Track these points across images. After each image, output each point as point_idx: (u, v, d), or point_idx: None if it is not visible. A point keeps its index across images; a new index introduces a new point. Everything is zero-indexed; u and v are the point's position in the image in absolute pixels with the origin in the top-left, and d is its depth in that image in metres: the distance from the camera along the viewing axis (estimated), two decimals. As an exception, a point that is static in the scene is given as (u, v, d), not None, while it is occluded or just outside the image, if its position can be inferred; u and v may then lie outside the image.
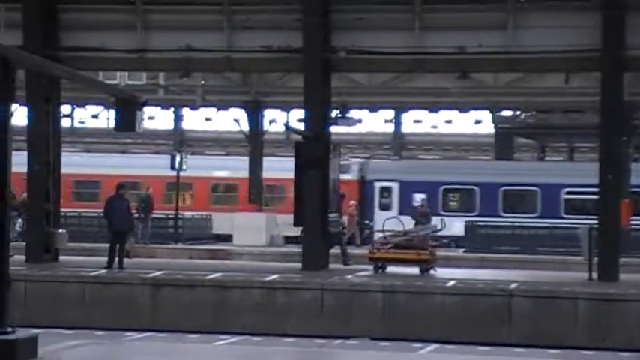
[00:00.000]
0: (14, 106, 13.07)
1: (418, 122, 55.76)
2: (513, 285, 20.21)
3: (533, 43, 22.90)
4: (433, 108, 42.75)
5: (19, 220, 30.73)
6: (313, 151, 23.41)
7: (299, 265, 23.65)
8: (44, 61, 16.70)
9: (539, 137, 47.37)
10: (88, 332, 17.01)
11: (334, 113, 25.97)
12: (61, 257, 24.58)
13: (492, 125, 47.08)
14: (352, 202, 34.54)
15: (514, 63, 24.10)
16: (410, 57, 23.76)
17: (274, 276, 21.34)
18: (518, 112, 44.62)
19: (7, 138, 12.51)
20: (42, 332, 13.41)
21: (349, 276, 21.77)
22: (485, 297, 19.71)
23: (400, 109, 50.90)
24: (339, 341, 16.81)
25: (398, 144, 56.53)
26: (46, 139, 24.25)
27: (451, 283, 20.75)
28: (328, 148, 24.10)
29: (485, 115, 48.42)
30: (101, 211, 24.16)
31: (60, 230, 24.58)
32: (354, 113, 31.37)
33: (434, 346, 15.96)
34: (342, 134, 42.68)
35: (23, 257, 23.31)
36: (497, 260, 30.09)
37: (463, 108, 41.74)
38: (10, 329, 12.39)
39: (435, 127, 56.57)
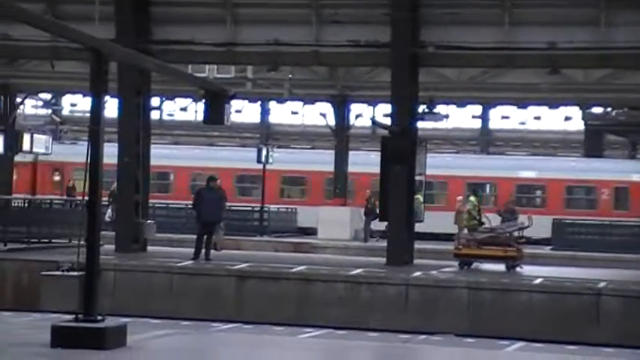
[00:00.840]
0: (106, 98, 13.26)
1: (506, 118, 55.14)
2: (602, 284, 19.92)
3: (625, 39, 22.52)
4: (522, 104, 42.19)
5: (109, 211, 31.25)
6: (399, 146, 23.35)
7: (383, 259, 23.62)
8: (136, 53, 16.93)
9: (630, 134, 46.53)
10: (175, 322, 17.20)
11: (421, 108, 25.85)
12: (149, 247, 24.95)
13: (582, 122, 46.38)
14: (459, 198, 34.32)
15: (605, 59, 23.72)
16: (499, 52, 23.55)
17: (358, 270, 21.35)
18: (608, 109, 43.90)
19: (99, 130, 12.74)
20: (130, 321, 13.60)
21: (434, 272, 21.68)
22: (572, 295, 19.46)
23: (488, 105, 50.42)
24: (423, 337, 16.73)
25: (485, 140, 56.03)
26: (136, 131, 24.61)
27: (538, 280, 20.52)
28: (414, 143, 24.01)
29: (575, 112, 47.71)
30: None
31: (148, 221, 24.94)
32: (441, 108, 31.16)
33: (520, 344, 15.78)
34: (429, 129, 42.47)
35: (112, 247, 23.68)
36: (586, 259, 29.67)
37: (552, 104, 41.14)
38: (99, 318, 12.61)
39: (523, 123, 55.91)
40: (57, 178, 42.28)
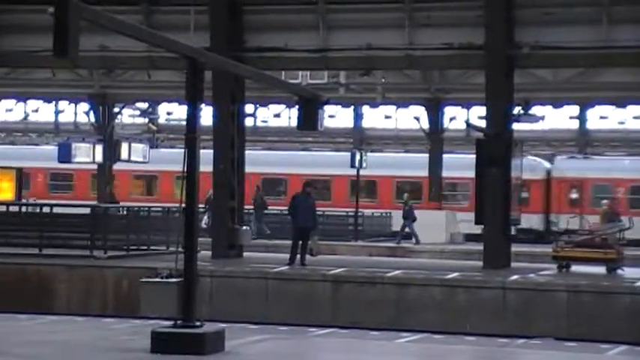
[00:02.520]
0: (201, 106, 13.40)
1: (604, 118, 54.16)
2: None
3: None
4: (620, 103, 41.45)
5: (205, 217, 31.59)
6: (494, 148, 23.11)
7: (480, 263, 23.41)
8: (231, 61, 17.09)
9: None
10: (272, 327, 17.29)
11: (516, 110, 25.56)
12: (245, 253, 25.15)
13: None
14: (604, 202, 34.03)
15: None
16: (596, 52, 23.16)
17: (455, 274, 21.19)
18: None
19: (195, 137, 12.88)
20: (228, 327, 13.70)
21: (532, 275, 21.40)
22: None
23: (585, 105, 49.59)
24: (521, 341, 16.52)
25: (583, 141, 55.12)
26: (230, 137, 24.84)
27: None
28: (510, 146, 23.75)
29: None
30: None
31: (244, 227, 25.13)
32: (536, 110, 30.77)
33: (622, 347, 15.48)
34: (524, 131, 41.95)
35: (209, 253, 23.93)
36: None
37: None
38: (198, 323, 12.73)
39: (622, 123, 54.85)
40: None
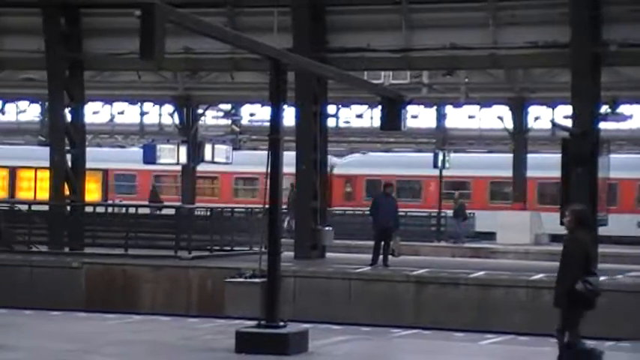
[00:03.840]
0: (284, 107, 13.44)
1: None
2: None
3: None
4: None
5: (287, 218, 31.69)
6: (581, 147, 22.76)
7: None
8: (314, 62, 17.12)
9: None
10: (355, 328, 17.27)
11: (603, 109, 25.14)
12: (327, 254, 25.16)
13: None
14: None
15: None
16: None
17: (540, 275, 20.92)
18: None
19: (279, 138, 12.92)
20: (311, 327, 13.72)
21: (619, 276, 21.03)
22: None
23: (674, 104, 48.56)
24: (610, 344, 16.23)
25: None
26: (313, 138, 24.88)
27: None
28: (597, 145, 23.37)
29: None
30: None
31: (327, 227, 25.15)
32: (624, 109, 30.25)
33: None
34: (612, 130, 41.24)
35: (292, 254, 24.00)
36: None
37: None
38: (281, 324, 12.77)
39: None
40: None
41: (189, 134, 38.62)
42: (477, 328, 18.48)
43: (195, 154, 35.62)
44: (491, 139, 52.46)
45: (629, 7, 22.73)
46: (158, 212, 29.73)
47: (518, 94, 36.75)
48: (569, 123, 24.25)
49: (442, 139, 54.83)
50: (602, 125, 24.86)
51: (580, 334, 10.26)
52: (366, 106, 50.31)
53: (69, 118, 26.33)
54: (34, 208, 26.93)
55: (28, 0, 26.06)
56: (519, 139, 37.99)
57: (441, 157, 37.22)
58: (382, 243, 22.98)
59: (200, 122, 42.55)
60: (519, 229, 34.41)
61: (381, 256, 22.84)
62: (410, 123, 48.15)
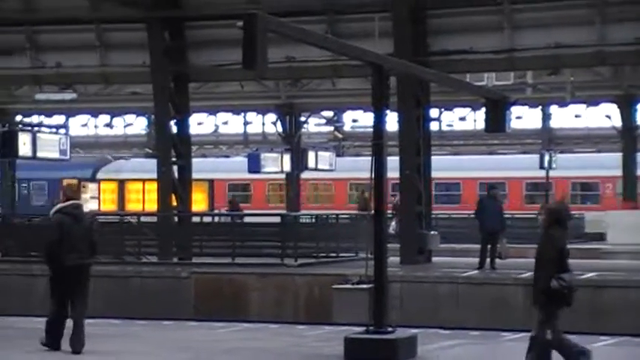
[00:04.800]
0: (387, 112, 13.41)
1: None
2: None
3: None
4: None
5: (393, 223, 31.62)
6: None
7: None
8: (415, 66, 17.05)
9: None
10: (464, 332, 17.10)
11: None
12: (434, 258, 25.01)
13: None
14: None
15: None
16: None
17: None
18: None
19: (382, 144, 12.89)
20: (420, 332, 13.65)
21: None
22: None
23: None
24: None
25: None
26: (416, 143, 24.77)
27: None
28: None
29: None
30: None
31: (432, 232, 25.01)
32: None
33: None
34: None
35: (398, 259, 23.92)
36: None
37: None
38: (390, 329, 12.73)
39: None
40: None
41: (293, 142, 38.85)
42: (590, 331, 18.11)
43: (299, 162, 35.81)
44: (599, 138, 51.59)
45: None
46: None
47: (626, 91, 36.02)
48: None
49: (548, 140, 54.12)
50: None
51: (561, 331, 10.17)
52: (469, 109, 49.94)
53: (174, 129, 26.73)
54: (143, 219, 27.39)
55: (132, 16, 26.54)
56: (628, 138, 37.22)
57: (547, 157, 36.72)
58: (489, 246, 22.74)
59: (303, 130, 42.78)
60: (631, 229, 33.69)
61: (488, 259, 22.59)
62: (514, 124, 47.85)
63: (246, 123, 57.37)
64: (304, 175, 38.75)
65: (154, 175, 26.89)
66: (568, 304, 10.30)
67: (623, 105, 36.93)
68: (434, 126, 42.19)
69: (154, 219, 27.70)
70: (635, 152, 36.98)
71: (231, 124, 57.74)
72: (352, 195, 42.14)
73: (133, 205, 38.80)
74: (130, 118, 56.87)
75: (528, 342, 10.84)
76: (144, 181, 36.95)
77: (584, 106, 48.33)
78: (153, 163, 27.82)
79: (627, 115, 37.01)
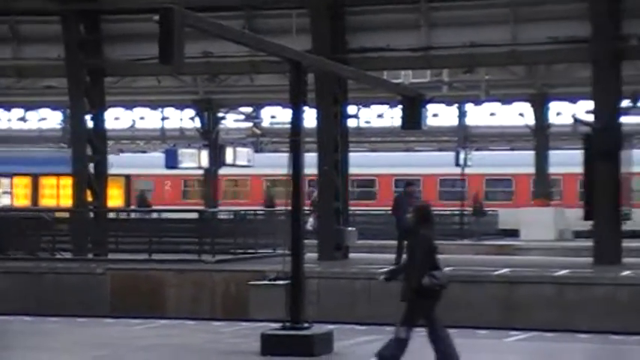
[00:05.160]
0: (305, 109, 13.44)
1: None
2: None
3: None
4: None
5: (311, 219, 31.71)
6: (603, 142, 22.67)
7: (590, 259, 23.00)
8: (334, 63, 17.11)
9: None
10: (380, 328, 17.22)
11: (624, 103, 25.03)
12: (351, 255, 25.13)
13: None
14: None
15: None
16: None
17: (564, 271, 20.84)
18: None
19: (300, 140, 12.92)
20: (336, 328, 13.71)
21: (645, 271, 20.94)
22: None
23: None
24: (636, 338, 16.15)
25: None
26: (334, 139, 24.87)
27: None
28: (619, 139, 23.26)
29: None
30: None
31: (349, 228, 25.14)
32: (645, 102, 30.11)
33: None
34: (634, 124, 41.03)
35: (315, 255, 23.99)
36: None
37: None
38: (306, 325, 12.77)
39: None
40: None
41: (211, 138, 38.68)
42: (502, 326, 18.40)
43: (217, 158, 35.68)
44: (513, 136, 52.32)
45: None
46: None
47: (539, 90, 36.62)
48: (590, 118, 24.16)
49: (463, 137, 54.73)
50: (624, 119, 24.71)
51: (440, 326, 10.71)
52: (387, 106, 50.23)
53: (90, 124, 26.43)
54: (57, 215, 27.05)
55: (47, 8, 26.17)
56: (541, 136, 37.84)
57: (462, 155, 37.16)
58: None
59: (221, 126, 42.60)
60: (543, 225, 34.29)
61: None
62: (431, 121, 48.30)
63: (163, 118, 56.91)
64: (222, 171, 38.64)
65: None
66: (437, 299, 10.52)
67: (537, 104, 37.53)
68: (351, 123, 42.29)
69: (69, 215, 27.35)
70: (548, 150, 37.61)
71: (148, 119, 57.24)
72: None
73: (47, 201, 38.24)
74: (44, 112, 55.99)
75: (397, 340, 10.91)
76: (58, 176, 36.45)
77: (498, 104, 48.94)
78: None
79: (540, 113, 37.63)
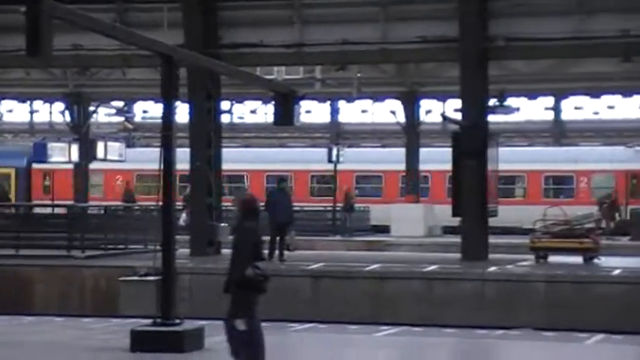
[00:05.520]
0: (177, 103, 13.37)
1: (579, 109, 54.45)
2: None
3: None
4: (595, 93, 41.64)
5: (183, 215, 31.53)
6: (471, 140, 23.18)
7: (458, 255, 23.50)
8: (206, 58, 17.06)
9: None
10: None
11: (492, 102, 25.64)
12: (223, 250, 25.09)
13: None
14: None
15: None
16: (571, 42, 23.25)
17: (433, 267, 21.24)
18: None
19: (171, 135, 12.85)
20: (207, 324, 13.70)
21: (509, 266, 21.49)
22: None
23: (560, 96, 49.82)
24: (501, 332, 16.59)
25: (558, 132, 55.38)
26: (207, 135, 24.79)
27: (616, 272, 20.21)
28: (486, 138, 23.83)
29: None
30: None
31: (222, 224, 25.09)
32: (512, 101, 30.85)
33: (600, 336, 15.57)
34: (500, 123, 42.06)
35: (187, 251, 23.87)
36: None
37: (626, 92, 40.50)
38: (177, 321, 12.73)
39: (596, 113, 55.15)
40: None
41: (81, 132, 38.08)
42: (373, 321, 18.65)
43: (88, 152, 35.15)
44: (384, 133, 53.02)
45: (513, 1, 23.23)
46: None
47: (410, 88, 37.18)
48: (459, 116, 24.67)
49: (336, 134, 55.21)
50: (491, 118, 25.32)
51: (258, 318, 10.67)
52: (260, 102, 50.32)
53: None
54: None
55: None
56: (411, 133, 38.43)
57: (335, 151, 37.46)
58: (278, 238, 23.03)
59: (92, 120, 41.98)
60: (413, 221, 34.82)
61: (277, 251, 22.88)
62: (304, 118, 48.58)
63: (32, 111, 55.75)
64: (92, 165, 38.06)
65: None
66: (262, 291, 10.63)
67: (407, 101, 38.09)
68: (225, 118, 42.25)
69: None
70: (418, 147, 38.23)
71: (16, 112, 55.96)
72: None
73: None
74: None
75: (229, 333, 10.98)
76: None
77: (370, 101, 49.58)
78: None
79: (411, 111, 38.19)
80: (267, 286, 10.57)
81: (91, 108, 40.98)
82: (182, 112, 28.56)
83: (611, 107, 53.22)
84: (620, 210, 34.04)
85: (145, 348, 12.38)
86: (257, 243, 10.62)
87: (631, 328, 17.41)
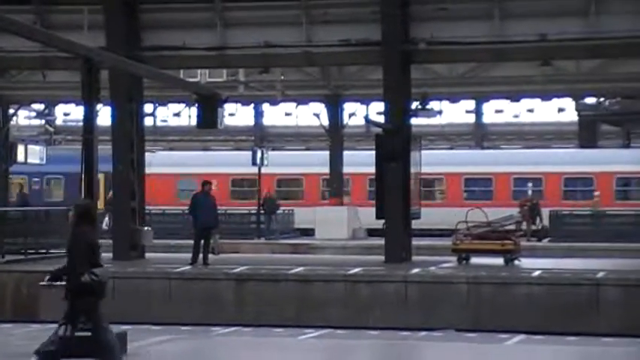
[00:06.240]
0: (98, 106, 13.26)
1: (499, 112, 55.23)
2: (601, 274, 19.93)
3: (614, 28, 22.54)
4: (515, 97, 42.22)
5: (106, 219, 31.22)
6: (393, 143, 23.35)
7: (382, 257, 23.63)
8: (127, 61, 16.95)
9: (625, 124, 46.53)
10: (175, 328, 17.18)
11: (414, 105, 25.86)
12: (147, 254, 24.92)
13: (575, 113, 46.39)
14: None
15: (596, 49, 23.75)
16: (490, 46, 23.59)
17: (357, 269, 21.34)
18: (601, 99, 43.88)
19: (93, 138, 12.74)
20: (130, 329, 13.59)
21: (432, 268, 21.68)
22: (571, 287, 19.48)
23: (481, 99, 50.48)
24: (423, 333, 16.75)
25: (479, 134, 56.08)
26: (129, 138, 24.59)
27: (537, 273, 20.53)
28: (409, 141, 24.03)
29: (568, 103, 47.68)
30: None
31: (145, 227, 24.91)
32: (434, 105, 31.18)
33: (521, 337, 15.80)
34: (423, 126, 42.46)
35: (110, 255, 23.65)
36: (583, 249, 29.67)
37: (545, 96, 41.16)
38: (99, 326, 12.56)
39: (516, 116, 55.99)
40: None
41: (1, 135, 37.46)
42: (297, 323, 18.69)
43: (8, 156, 34.60)
44: (309, 136, 53.16)
45: (435, 5, 23.48)
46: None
47: (333, 91, 37.28)
48: (382, 119, 24.83)
49: (260, 137, 55.21)
50: (414, 121, 25.53)
51: (103, 323, 10.73)
52: (184, 105, 50.07)
53: None
54: None
55: None
56: (335, 136, 38.56)
57: (259, 154, 37.39)
58: (202, 242, 22.93)
59: (12, 123, 41.32)
60: (337, 224, 34.94)
61: (201, 255, 22.79)
62: (228, 121, 48.46)
63: (-50, 114, 54.69)
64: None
65: None
66: (101, 296, 10.64)
67: (331, 104, 38.20)
68: (148, 121, 41.97)
69: None
70: (342, 150, 38.37)
71: None
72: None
73: None
74: None
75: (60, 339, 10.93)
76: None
77: (294, 104, 49.61)
78: None
79: (334, 114, 38.31)
80: (105, 292, 10.53)
81: (11, 111, 40.34)
82: (105, 115, 28.31)
83: (530, 110, 54.07)
84: (540, 213, 34.53)
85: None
86: (93, 247, 10.54)
87: (551, 329, 17.72)
